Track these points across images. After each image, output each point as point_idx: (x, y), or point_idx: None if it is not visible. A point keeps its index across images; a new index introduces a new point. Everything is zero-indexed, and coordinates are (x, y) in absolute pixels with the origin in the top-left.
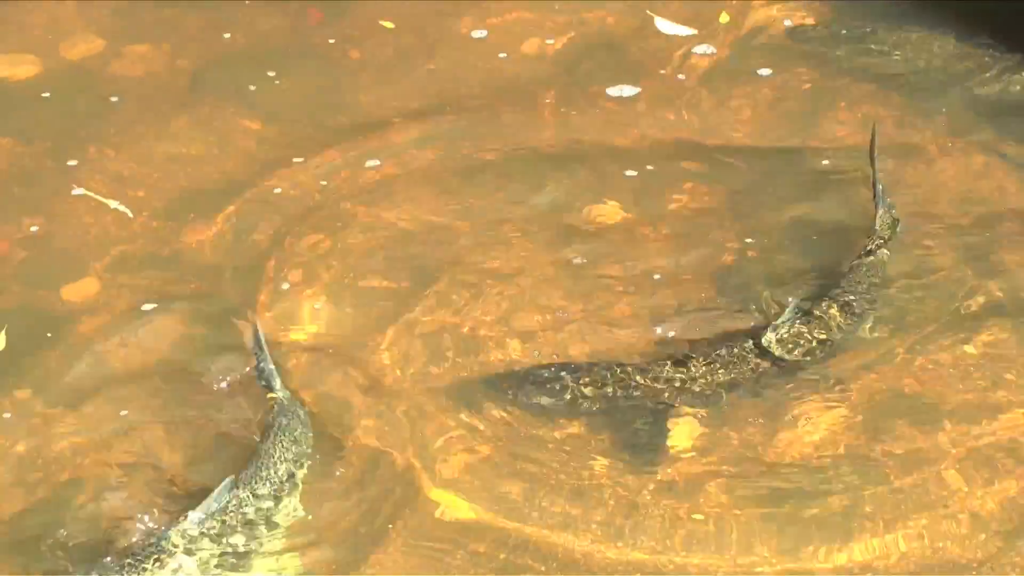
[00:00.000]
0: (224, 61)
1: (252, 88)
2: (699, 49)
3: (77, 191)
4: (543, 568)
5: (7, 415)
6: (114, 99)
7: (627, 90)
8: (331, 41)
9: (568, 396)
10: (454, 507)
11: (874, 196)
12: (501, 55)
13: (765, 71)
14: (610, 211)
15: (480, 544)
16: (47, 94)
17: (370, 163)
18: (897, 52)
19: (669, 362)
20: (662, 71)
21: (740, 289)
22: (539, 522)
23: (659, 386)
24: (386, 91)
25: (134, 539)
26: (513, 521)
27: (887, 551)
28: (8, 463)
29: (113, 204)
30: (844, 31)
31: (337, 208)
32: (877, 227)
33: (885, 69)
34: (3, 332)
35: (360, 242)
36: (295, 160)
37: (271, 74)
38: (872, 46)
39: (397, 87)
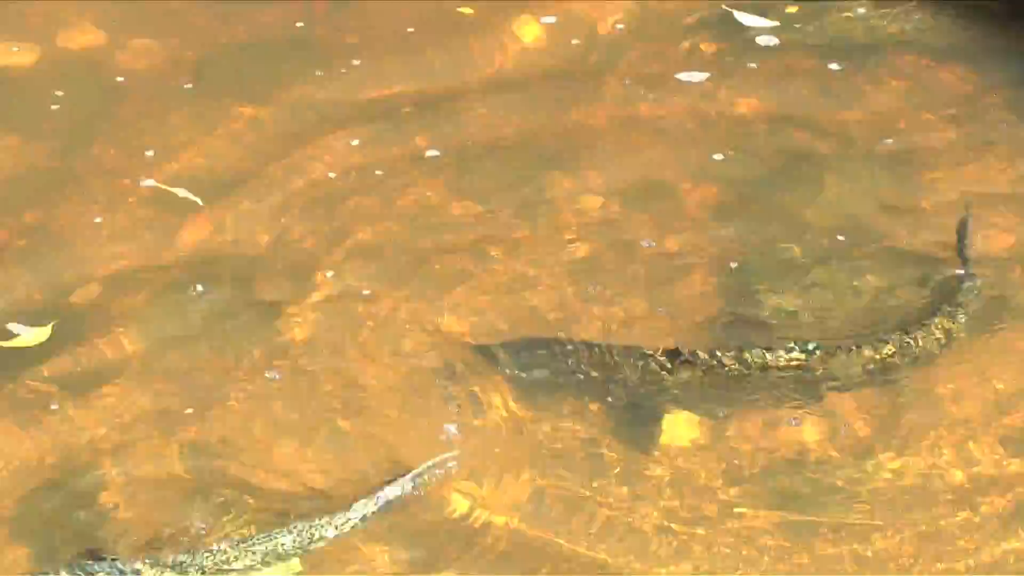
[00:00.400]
0: (228, 52)
1: (256, 79)
2: (767, 40)
3: (147, 182)
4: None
5: (54, 405)
6: (116, 91)
7: (696, 75)
8: (338, 31)
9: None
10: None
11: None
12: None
13: (834, 65)
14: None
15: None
16: (49, 86)
17: (380, 152)
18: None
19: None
20: (729, 58)
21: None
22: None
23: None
24: (397, 80)
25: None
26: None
27: (890, 553)
28: (33, 451)
29: (181, 193)
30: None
31: (344, 199)
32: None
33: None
34: (51, 326)
35: (369, 231)
36: (298, 151)
37: (276, 65)
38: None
39: (410, 76)
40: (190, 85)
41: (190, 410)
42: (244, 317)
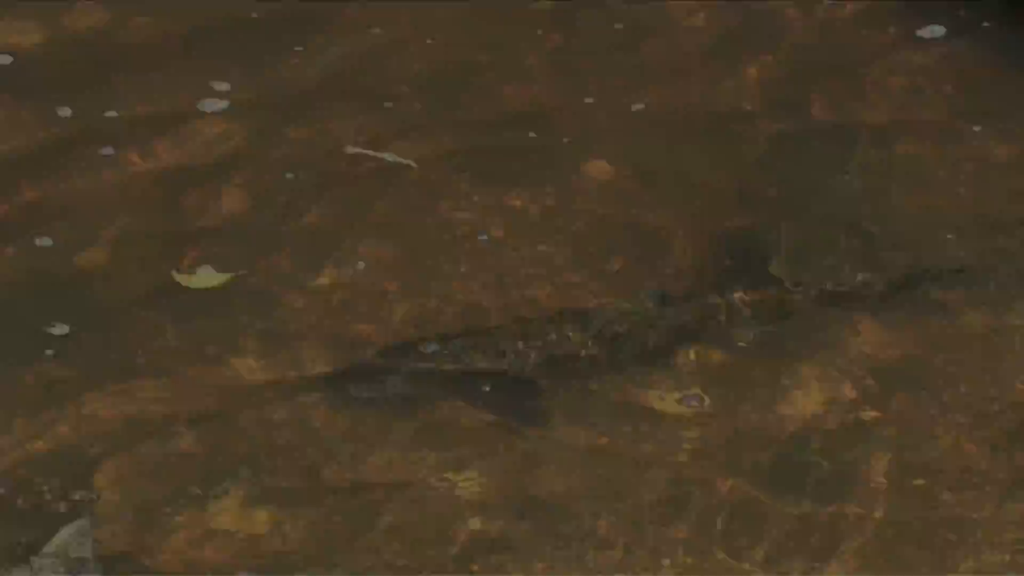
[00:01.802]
0: (232, 32)
1: (264, 60)
2: None
3: (352, 150)
4: None
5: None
6: (119, 69)
7: (937, 30)
8: (346, 14)
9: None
10: None
11: None
12: None
13: None
14: None
15: None
16: (52, 61)
17: (389, 139)
18: None
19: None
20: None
21: None
22: None
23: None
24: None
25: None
26: None
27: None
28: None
29: (389, 158)
30: None
31: (345, 186)
32: None
33: None
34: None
35: (365, 221)
36: (300, 136)
37: (283, 47)
38: None
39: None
40: (194, 63)
41: None
42: None
